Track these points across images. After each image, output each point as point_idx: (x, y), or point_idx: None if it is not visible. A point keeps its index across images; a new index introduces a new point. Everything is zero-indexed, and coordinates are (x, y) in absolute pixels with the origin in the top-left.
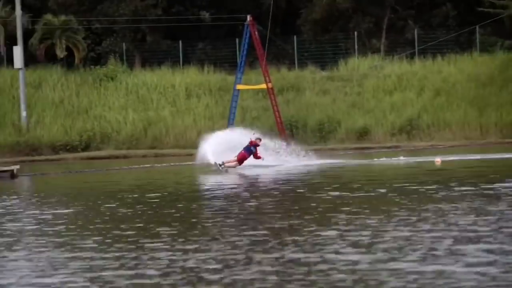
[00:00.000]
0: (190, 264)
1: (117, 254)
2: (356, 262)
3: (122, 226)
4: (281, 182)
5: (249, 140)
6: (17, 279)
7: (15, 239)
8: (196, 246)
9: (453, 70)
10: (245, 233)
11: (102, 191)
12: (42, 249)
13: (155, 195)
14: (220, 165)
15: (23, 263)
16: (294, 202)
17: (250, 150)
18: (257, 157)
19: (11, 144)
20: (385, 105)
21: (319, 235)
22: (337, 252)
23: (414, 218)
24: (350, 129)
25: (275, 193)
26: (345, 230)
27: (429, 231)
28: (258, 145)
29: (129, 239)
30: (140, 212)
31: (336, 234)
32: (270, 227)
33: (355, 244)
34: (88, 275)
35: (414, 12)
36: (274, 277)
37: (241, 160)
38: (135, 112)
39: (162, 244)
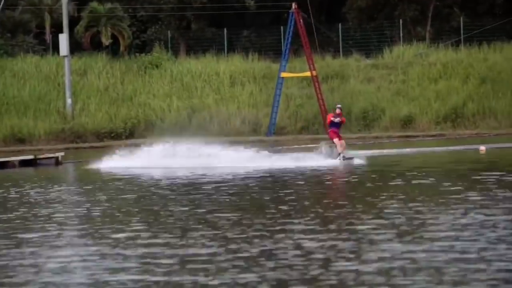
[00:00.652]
0: None
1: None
2: None
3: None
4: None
5: (330, 117)
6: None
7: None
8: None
9: (499, 58)
10: None
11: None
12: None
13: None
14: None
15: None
16: None
17: (337, 123)
18: (343, 122)
19: (56, 131)
20: (430, 93)
21: None
22: None
23: None
24: (394, 117)
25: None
26: None
27: None
28: (340, 113)
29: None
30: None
31: None
32: None
33: None
34: None
35: (460, 0)
36: None
37: (339, 136)
38: (179, 99)
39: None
